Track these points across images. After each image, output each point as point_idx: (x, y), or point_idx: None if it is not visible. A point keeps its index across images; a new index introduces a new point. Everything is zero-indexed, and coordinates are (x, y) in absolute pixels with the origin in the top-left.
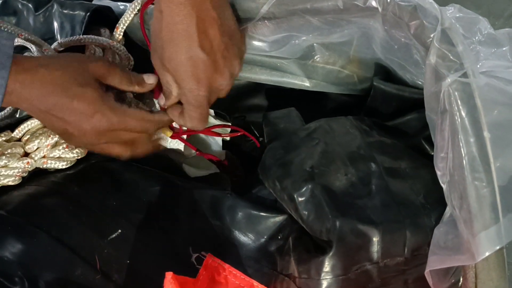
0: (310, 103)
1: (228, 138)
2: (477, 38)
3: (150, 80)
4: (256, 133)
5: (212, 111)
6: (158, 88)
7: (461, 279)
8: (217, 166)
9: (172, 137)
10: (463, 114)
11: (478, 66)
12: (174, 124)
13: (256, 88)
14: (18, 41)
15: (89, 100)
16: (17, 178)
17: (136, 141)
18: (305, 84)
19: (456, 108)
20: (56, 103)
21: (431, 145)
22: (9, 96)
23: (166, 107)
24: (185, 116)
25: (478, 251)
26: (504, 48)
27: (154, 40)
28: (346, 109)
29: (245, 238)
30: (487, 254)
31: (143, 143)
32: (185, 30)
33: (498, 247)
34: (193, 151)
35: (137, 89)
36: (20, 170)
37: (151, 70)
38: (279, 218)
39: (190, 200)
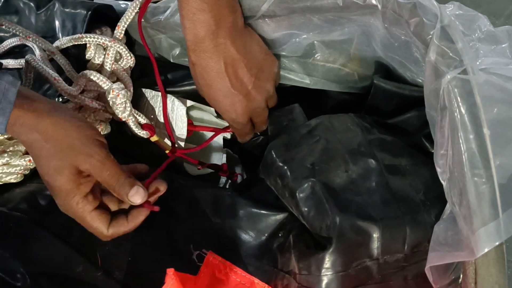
0: (311, 101)
1: (229, 137)
2: (476, 35)
3: (133, 197)
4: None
5: (213, 110)
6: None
7: (461, 275)
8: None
9: (169, 153)
10: (463, 110)
11: (478, 63)
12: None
13: None
14: (21, 41)
15: (57, 186)
16: (19, 175)
17: None
18: (306, 81)
19: (455, 105)
20: (39, 168)
21: (431, 142)
22: (10, 133)
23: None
24: (236, 135)
25: (477, 247)
26: (503, 45)
27: (196, 82)
28: (346, 107)
29: (246, 236)
30: (486, 250)
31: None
32: (218, 73)
33: (497, 243)
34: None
35: (116, 195)
36: (22, 168)
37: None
38: (280, 216)
39: (191, 198)
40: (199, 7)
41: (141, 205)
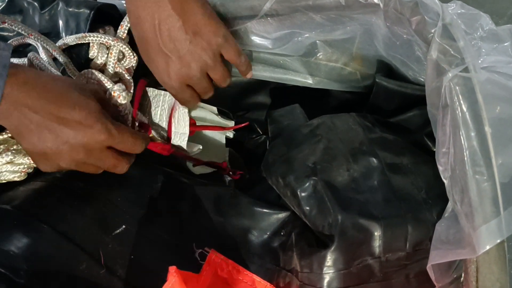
0: (313, 101)
1: (231, 136)
2: (478, 34)
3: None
4: (259, 130)
5: (215, 109)
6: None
7: (463, 273)
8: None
9: (164, 152)
10: (464, 108)
11: (480, 61)
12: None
13: (259, 85)
14: (26, 39)
15: (93, 111)
16: (22, 174)
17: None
18: (308, 81)
19: (457, 102)
20: (59, 111)
21: (433, 141)
22: (7, 100)
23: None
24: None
25: (479, 244)
26: (505, 44)
27: (134, 35)
28: (348, 106)
29: (249, 234)
30: (487, 247)
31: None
32: (149, 29)
33: (498, 241)
34: (195, 149)
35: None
36: (25, 166)
37: None
38: (282, 215)
39: (193, 196)
40: None
41: None
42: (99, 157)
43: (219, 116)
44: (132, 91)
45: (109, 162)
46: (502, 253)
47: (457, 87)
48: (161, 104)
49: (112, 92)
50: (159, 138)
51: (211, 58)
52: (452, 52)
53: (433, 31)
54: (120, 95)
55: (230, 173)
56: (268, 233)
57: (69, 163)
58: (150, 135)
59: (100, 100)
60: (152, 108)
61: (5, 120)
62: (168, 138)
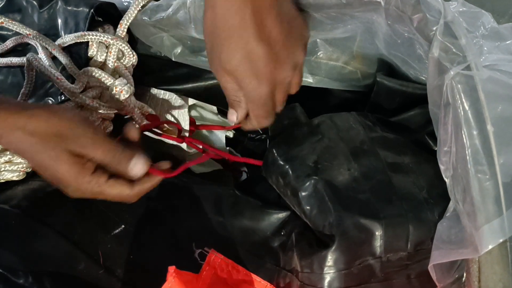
0: (313, 100)
1: (231, 135)
2: (480, 32)
3: (133, 170)
4: (259, 130)
5: (215, 108)
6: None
7: (465, 273)
8: (221, 164)
9: (177, 139)
10: (466, 107)
11: (482, 59)
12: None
13: None
14: (25, 39)
15: (61, 175)
16: (21, 173)
17: None
18: (308, 80)
19: (459, 101)
20: (33, 165)
21: (434, 140)
22: None
23: (239, 121)
24: (251, 118)
25: (481, 244)
26: (507, 42)
27: (210, 41)
28: (349, 105)
29: (248, 234)
30: (490, 247)
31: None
32: (240, 22)
33: (501, 240)
34: (191, 150)
35: (117, 172)
36: (24, 165)
37: (152, 66)
38: (282, 215)
39: (193, 196)
40: None
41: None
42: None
43: (219, 116)
44: (133, 88)
45: (112, 200)
46: (505, 253)
47: (459, 85)
48: (160, 104)
49: (114, 88)
50: (172, 128)
51: (303, 55)
52: (454, 50)
53: (434, 29)
54: (122, 89)
55: (232, 167)
56: (268, 233)
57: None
58: (165, 129)
59: (83, 148)
60: (152, 107)
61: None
62: (176, 126)
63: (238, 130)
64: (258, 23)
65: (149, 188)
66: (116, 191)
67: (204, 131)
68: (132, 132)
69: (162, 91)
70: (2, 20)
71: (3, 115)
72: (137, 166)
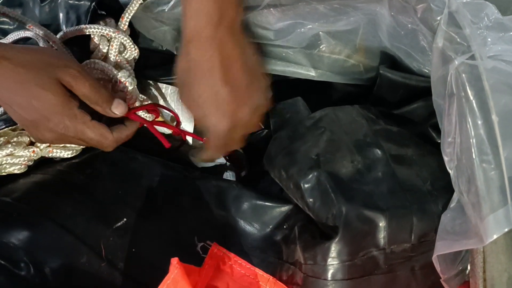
0: (316, 94)
1: None
2: (484, 23)
3: (117, 109)
4: (260, 124)
5: None
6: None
7: (469, 265)
8: (224, 157)
9: (174, 133)
10: (471, 96)
11: (486, 50)
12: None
13: None
14: (25, 33)
15: (48, 104)
16: (22, 166)
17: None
18: (311, 74)
19: (463, 90)
20: (15, 100)
21: (438, 132)
22: None
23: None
24: (206, 148)
25: (486, 234)
26: (511, 33)
27: (182, 78)
28: (352, 99)
29: (251, 228)
30: (495, 236)
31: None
32: (211, 68)
33: (506, 230)
34: (200, 141)
35: (99, 109)
36: (26, 158)
37: (154, 59)
38: (284, 208)
39: (195, 189)
40: None
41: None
42: (68, 141)
43: None
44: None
45: (89, 143)
46: (510, 242)
47: (463, 75)
48: (161, 97)
49: (118, 80)
50: (170, 121)
51: (262, 102)
52: (458, 39)
53: (438, 18)
54: (126, 81)
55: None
56: (270, 227)
57: (44, 140)
58: (161, 119)
59: (69, 83)
60: (153, 101)
61: None
62: (176, 119)
63: None
64: (225, 70)
65: (127, 136)
66: (97, 132)
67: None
68: (118, 109)
69: (164, 85)
70: (4, 11)
71: None
72: (119, 106)
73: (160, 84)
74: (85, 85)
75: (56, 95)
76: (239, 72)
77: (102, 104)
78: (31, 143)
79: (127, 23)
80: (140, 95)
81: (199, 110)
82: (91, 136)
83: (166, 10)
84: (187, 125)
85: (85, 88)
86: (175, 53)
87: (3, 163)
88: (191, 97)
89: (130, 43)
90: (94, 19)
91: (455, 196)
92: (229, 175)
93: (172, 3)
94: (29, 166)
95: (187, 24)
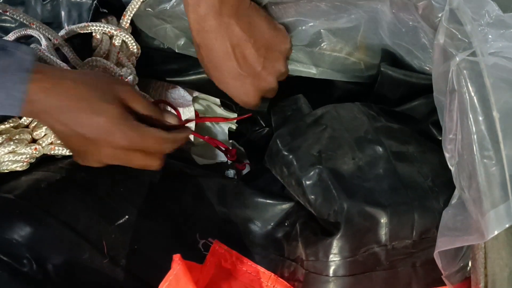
0: (317, 92)
1: (234, 128)
2: (485, 20)
3: (169, 119)
4: (262, 123)
5: (218, 101)
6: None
7: (470, 261)
8: (225, 155)
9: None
10: (472, 93)
11: (487, 46)
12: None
13: None
14: (28, 31)
15: (112, 118)
16: (25, 164)
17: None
18: (312, 71)
19: (464, 87)
20: (78, 117)
21: (439, 130)
22: (30, 105)
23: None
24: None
25: (487, 229)
26: None
27: (202, 65)
28: (353, 97)
29: (252, 225)
30: (496, 232)
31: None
32: (223, 57)
33: (507, 225)
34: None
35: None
36: (28, 156)
37: (156, 57)
38: (286, 205)
39: (197, 187)
40: None
41: None
42: (126, 158)
43: (222, 108)
44: (136, 79)
45: (138, 163)
46: (511, 238)
47: (464, 71)
48: (163, 95)
49: (120, 78)
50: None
51: (284, 64)
52: (459, 36)
53: (440, 15)
54: (127, 79)
55: (235, 159)
56: (272, 224)
57: (101, 161)
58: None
59: (128, 99)
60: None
61: (51, 125)
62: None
63: (241, 122)
64: (238, 54)
65: (183, 139)
66: (157, 133)
67: (208, 123)
68: (171, 119)
69: (165, 83)
70: (6, 8)
71: (53, 69)
72: (171, 117)
73: (161, 82)
74: (139, 99)
75: (118, 108)
76: (253, 54)
77: (156, 115)
78: (33, 141)
79: (128, 21)
80: (142, 93)
81: (227, 90)
82: (152, 143)
83: (168, 8)
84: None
85: (140, 102)
86: (176, 51)
87: (5, 160)
88: (218, 79)
89: (132, 41)
90: (96, 17)
91: (456, 192)
92: (230, 173)
93: (173, 0)
94: (31, 164)
95: (190, 14)
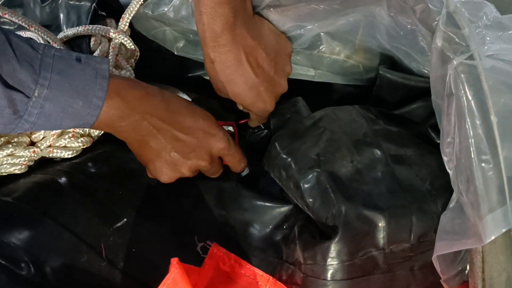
0: (315, 94)
1: (232, 131)
2: (483, 22)
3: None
4: (261, 125)
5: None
6: None
7: (468, 265)
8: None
9: None
10: (470, 96)
11: (485, 49)
12: None
13: None
14: (26, 33)
15: (212, 120)
16: (23, 166)
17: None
18: (311, 74)
19: (462, 90)
20: (179, 121)
21: (437, 133)
22: (109, 112)
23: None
24: (253, 119)
25: (485, 233)
26: (510, 32)
27: (215, 82)
28: (351, 100)
29: (251, 228)
30: (493, 236)
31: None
32: (239, 66)
33: (505, 229)
34: None
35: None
36: (26, 159)
37: (154, 60)
38: (284, 208)
39: (195, 189)
40: (219, 0)
41: None
42: (215, 164)
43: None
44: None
45: (216, 169)
46: (509, 242)
47: (462, 75)
48: None
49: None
50: None
51: (291, 67)
52: (456, 39)
53: (437, 19)
54: None
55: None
56: (270, 227)
57: (193, 170)
58: None
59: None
60: None
61: (132, 132)
62: None
63: (240, 124)
64: (252, 63)
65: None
66: (229, 137)
67: None
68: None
69: (164, 85)
70: (5, 11)
71: (127, 78)
72: (243, 165)
73: (160, 85)
74: (221, 145)
75: (211, 115)
76: (265, 59)
77: (233, 161)
78: (32, 143)
79: (127, 24)
80: None
81: (245, 101)
82: (228, 143)
83: (166, 11)
84: None
85: (222, 147)
86: (175, 53)
87: (3, 163)
88: (234, 93)
89: (131, 44)
90: (94, 20)
91: (454, 196)
92: None
93: (172, 3)
94: (29, 166)
95: (206, 32)
